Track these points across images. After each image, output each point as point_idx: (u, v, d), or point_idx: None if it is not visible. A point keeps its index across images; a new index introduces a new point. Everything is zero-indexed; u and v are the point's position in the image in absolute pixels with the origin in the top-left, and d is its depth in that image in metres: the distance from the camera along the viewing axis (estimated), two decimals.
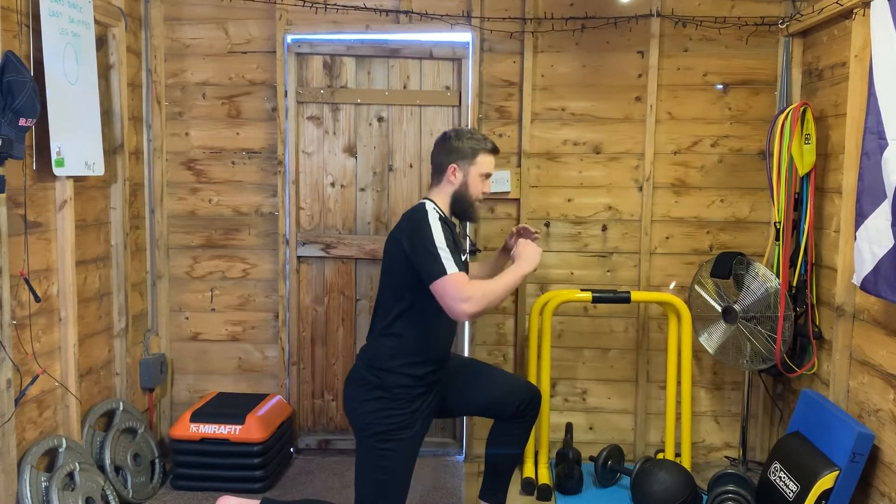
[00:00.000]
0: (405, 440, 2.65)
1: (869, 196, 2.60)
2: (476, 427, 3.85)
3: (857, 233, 2.66)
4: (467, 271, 2.74)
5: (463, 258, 2.70)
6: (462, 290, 2.44)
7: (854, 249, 2.70)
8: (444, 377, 2.78)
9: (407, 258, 2.58)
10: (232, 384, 3.92)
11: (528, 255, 2.66)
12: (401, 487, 2.68)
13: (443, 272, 2.46)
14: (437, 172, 2.77)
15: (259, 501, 2.84)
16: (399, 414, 2.62)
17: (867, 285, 2.62)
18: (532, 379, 3.56)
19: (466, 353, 3.85)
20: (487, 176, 2.76)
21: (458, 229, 2.84)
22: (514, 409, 2.87)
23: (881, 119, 2.53)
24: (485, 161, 2.74)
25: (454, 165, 2.72)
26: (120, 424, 3.33)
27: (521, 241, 2.74)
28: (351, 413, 2.71)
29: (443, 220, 2.63)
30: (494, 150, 2.78)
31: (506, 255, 2.97)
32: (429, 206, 2.67)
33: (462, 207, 2.76)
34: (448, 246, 2.52)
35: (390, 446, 2.62)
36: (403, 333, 2.65)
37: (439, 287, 2.47)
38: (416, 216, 2.62)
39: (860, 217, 2.64)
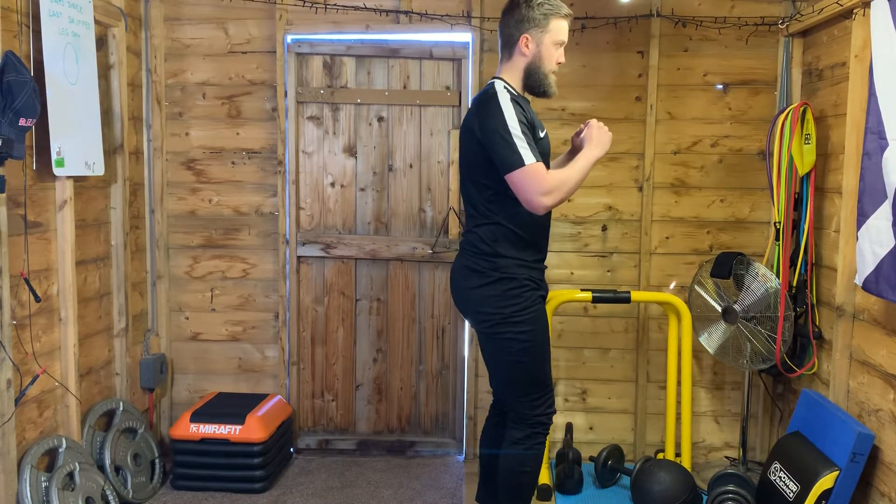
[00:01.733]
0: (538, 315, 2.57)
1: (870, 196, 2.60)
2: (476, 427, 3.85)
3: (859, 233, 2.66)
4: (547, 149, 2.65)
5: (542, 134, 2.58)
6: (542, 183, 2.35)
7: (856, 249, 2.71)
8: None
9: (481, 145, 2.46)
10: (232, 384, 3.92)
11: (599, 137, 2.57)
12: (547, 365, 2.63)
13: (520, 162, 2.36)
14: (507, 46, 2.59)
15: None
16: (522, 292, 2.54)
17: (869, 285, 2.62)
18: None
19: (466, 353, 3.85)
20: (561, 44, 2.59)
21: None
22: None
23: (881, 119, 2.53)
24: (559, 27, 2.55)
25: (526, 36, 2.53)
26: (120, 424, 3.33)
27: (593, 122, 2.62)
28: (470, 304, 2.61)
29: (515, 99, 2.48)
30: (567, 14, 2.58)
31: (574, 154, 2.72)
32: (498, 85, 2.51)
33: (536, 81, 2.59)
34: (523, 131, 2.40)
35: (524, 328, 2.54)
36: (499, 221, 2.55)
37: (516, 178, 2.37)
38: (486, 98, 2.48)
39: (861, 217, 2.65)
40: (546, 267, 2.74)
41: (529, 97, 2.67)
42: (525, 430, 2.65)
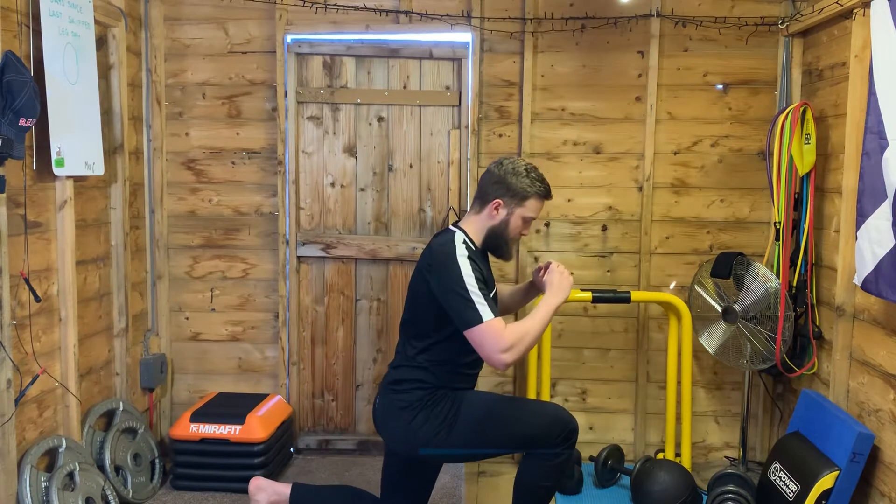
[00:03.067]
0: (460, 406, 2.54)
1: (870, 196, 2.60)
2: None
3: (858, 233, 2.66)
4: (497, 307, 2.62)
5: (492, 294, 2.55)
6: (501, 340, 2.33)
7: (855, 249, 2.71)
8: None
9: (432, 296, 2.46)
10: (232, 384, 3.91)
11: (560, 283, 2.54)
12: (516, 410, 2.59)
13: (478, 320, 2.34)
14: (480, 199, 2.60)
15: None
16: (445, 403, 2.53)
17: (868, 285, 2.62)
18: (532, 379, 3.56)
19: None
20: (531, 220, 2.61)
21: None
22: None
23: (881, 119, 2.53)
24: (533, 206, 2.57)
25: (499, 201, 2.54)
26: (120, 424, 3.33)
27: (553, 266, 2.61)
28: (408, 440, 2.59)
29: (472, 257, 2.47)
30: (547, 196, 2.59)
31: (533, 290, 2.82)
32: (458, 239, 2.51)
33: (496, 244, 2.60)
34: (480, 287, 2.39)
35: (456, 427, 2.51)
36: (428, 367, 2.56)
37: (476, 336, 2.36)
38: (444, 252, 2.47)
39: (861, 217, 2.64)
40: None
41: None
42: (555, 449, 2.59)
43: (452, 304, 2.40)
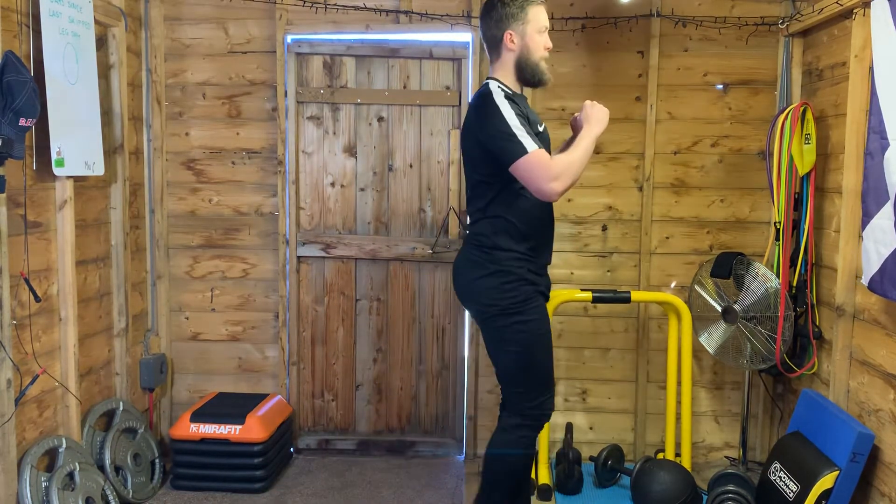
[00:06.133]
0: (536, 308, 2.58)
1: (874, 196, 2.60)
2: (476, 427, 3.85)
3: (864, 233, 2.66)
4: (548, 142, 2.67)
5: (540, 129, 2.61)
6: (548, 169, 2.36)
7: (861, 249, 2.71)
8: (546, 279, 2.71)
9: (482, 144, 2.50)
10: (232, 384, 3.92)
11: (597, 115, 2.60)
12: (546, 361, 2.62)
13: (523, 151, 2.38)
14: (493, 47, 2.64)
15: None
16: (519, 286, 2.55)
17: (874, 285, 2.62)
18: None
19: (466, 353, 3.85)
20: (545, 29, 2.62)
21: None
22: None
23: (882, 119, 2.53)
24: (537, 14, 2.59)
25: (509, 32, 2.57)
26: (120, 424, 3.33)
27: (588, 103, 2.64)
28: (470, 295, 2.65)
29: (510, 97, 2.52)
30: (543, 1, 2.62)
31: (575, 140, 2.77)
32: (492, 85, 2.55)
33: (528, 72, 2.62)
34: (521, 122, 2.43)
35: (520, 319, 2.54)
36: (500, 214, 2.57)
37: (522, 168, 2.39)
38: (482, 100, 2.51)
39: (866, 217, 2.65)
40: (548, 262, 2.73)
41: (527, 92, 2.67)
42: (515, 419, 2.64)
43: (497, 142, 2.43)
